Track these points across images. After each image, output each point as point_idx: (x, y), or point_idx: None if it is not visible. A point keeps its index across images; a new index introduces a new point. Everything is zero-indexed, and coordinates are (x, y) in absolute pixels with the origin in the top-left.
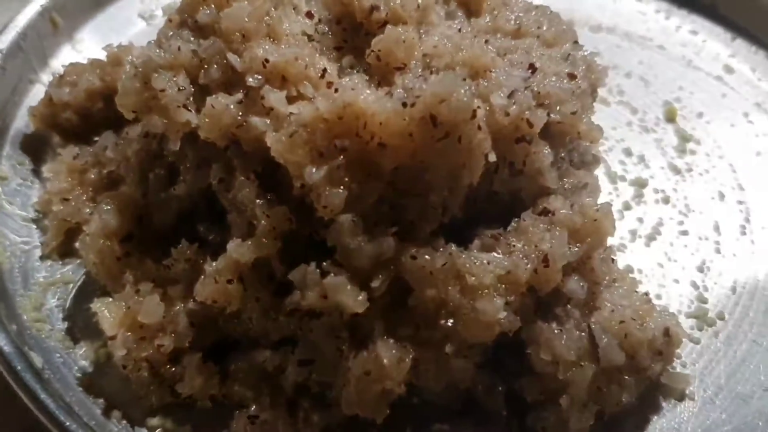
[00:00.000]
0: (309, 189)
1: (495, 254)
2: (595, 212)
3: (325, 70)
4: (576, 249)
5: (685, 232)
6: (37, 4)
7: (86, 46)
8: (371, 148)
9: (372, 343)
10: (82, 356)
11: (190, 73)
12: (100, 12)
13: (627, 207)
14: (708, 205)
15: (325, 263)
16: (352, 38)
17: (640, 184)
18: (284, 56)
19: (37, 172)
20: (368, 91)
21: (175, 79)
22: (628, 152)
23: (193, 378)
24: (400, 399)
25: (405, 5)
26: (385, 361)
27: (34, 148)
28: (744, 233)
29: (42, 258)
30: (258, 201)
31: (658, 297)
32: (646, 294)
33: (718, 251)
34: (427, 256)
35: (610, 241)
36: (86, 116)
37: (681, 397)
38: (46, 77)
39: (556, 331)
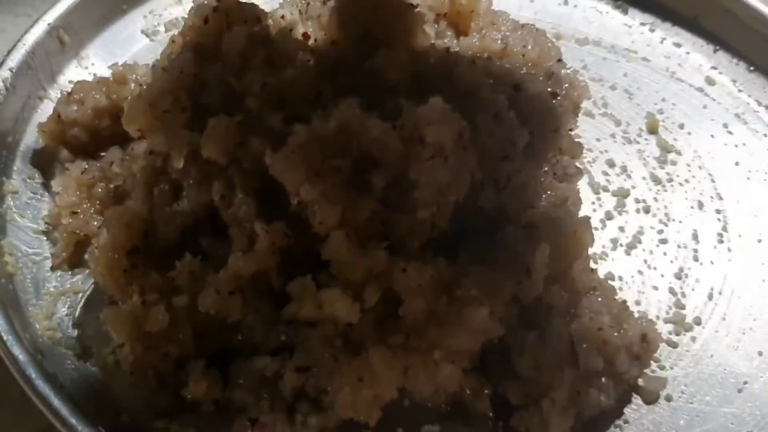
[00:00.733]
0: (305, 206)
1: (480, 266)
2: (575, 225)
3: (320, 91)
4: (556, 261)
5: (664, 241)
6: (44, 22)
7: (92, 63)
8: (364, 167)
9: (365, 351)
10: (91, 363)
11: (191, 94)
12: (105, 29)
13: (609, 216)
14: (687, 214)
15: (320, 276)
16: (345, 59)
17: (622, 194)
18: (281, 79)
19: (46, 186)
20: (361, 113)
21: (177, 100)
22: (611, 163)
23: (197, 383)
24: (391, 401)
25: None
26: (377, 367)
27: (44, 163)
28: (721, 241)
29: (52, 269)
30: (257, 217)
31: (638, 303)
32: (624, 302)
33: (696, 259)
34: (416, 269)
35: (593, 249)
36: (93, 133)
37: (657, 399)
38: (54, 93)
39: (538, 338)
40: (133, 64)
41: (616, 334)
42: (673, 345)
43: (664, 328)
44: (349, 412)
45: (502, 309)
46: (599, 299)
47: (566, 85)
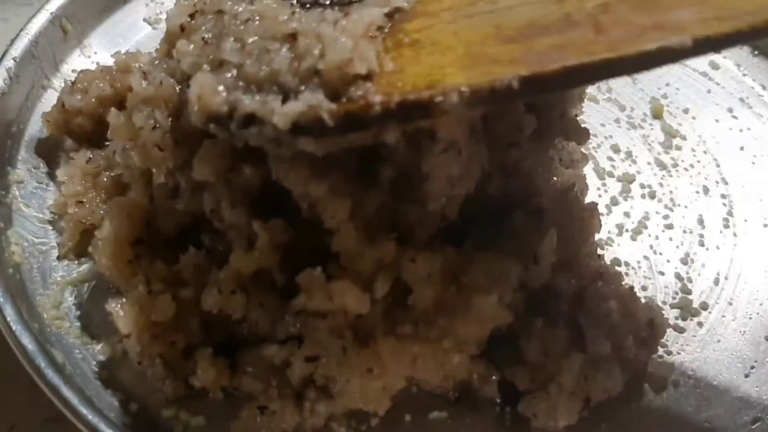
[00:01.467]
0: (315, 204)
1: (487, 253)
2: (582, 211)
3: None
4: (564, 247)
5: (670, 226)
6: (47, 11)
7: (94, 51)
8: (369, 159)
9: (373, 342)
10: (99, 352)
11: (171, 106)
12: (108, 18)
13: (614, 202)
14: (692, 199)
15: (329, 267)
16: None
17: (627, 179)
18: None
19: (51, 175)
20: None
21: (153, 114)
22: (615, 149)
23: (206, 371)
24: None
25: None
26: (386, 359)
27: (48, 153)
28: (727, 226)
29: (59, 258)
30: (253, 222)
31: (644, 288)
32: (631, 287)
33: (702, 244)
34: (425, 259)
35: (598, 235)
36: (98, 121)
37: (665, 384)
38: (57, 83)
39: (545, 325)
40: (136, 52)
41: (623, 319)
42: (680, 330)
43: (670, 314)
44: (359, 402)
45: (510, 296)
46: (606, 285)
47: None
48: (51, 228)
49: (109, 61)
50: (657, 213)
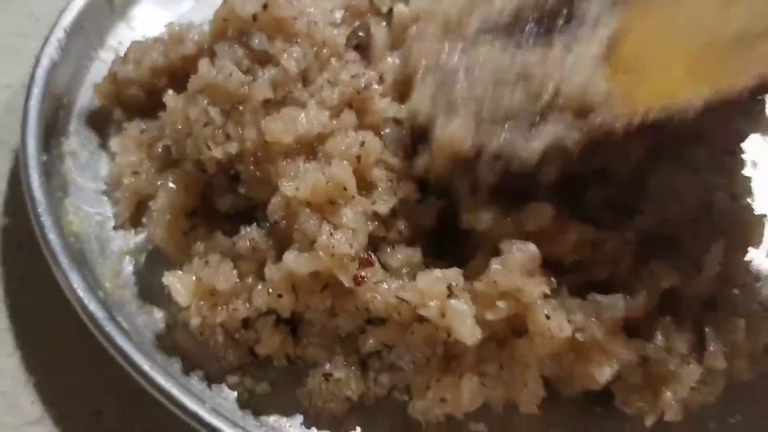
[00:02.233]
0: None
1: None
2: (749, 220)
3: None
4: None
5: None
6: None
7: (140, 23)
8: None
9: (459, 372)
10: (161, 320)
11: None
12: None
13: None
14: None
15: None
16: None
17: None
18: None
19: (103, 146)
20: None
21: (207, 110)
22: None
23: (270, 339)
24: None
25: None
26: (464, 395)
27: (99, 124)
28: None
29: (115, 228)
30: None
31: None
32: (763, 305)
33: None
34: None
35: None
36: (151, 92)
37: None
38: (104, 54)
39: (671, 323)
40: (189, 24)
41: (746, 339)
42: None
43: None
44: (418, 415)
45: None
46: (741, 294)
47: None
48: (106, 199)
49: (155, 33)
50: None
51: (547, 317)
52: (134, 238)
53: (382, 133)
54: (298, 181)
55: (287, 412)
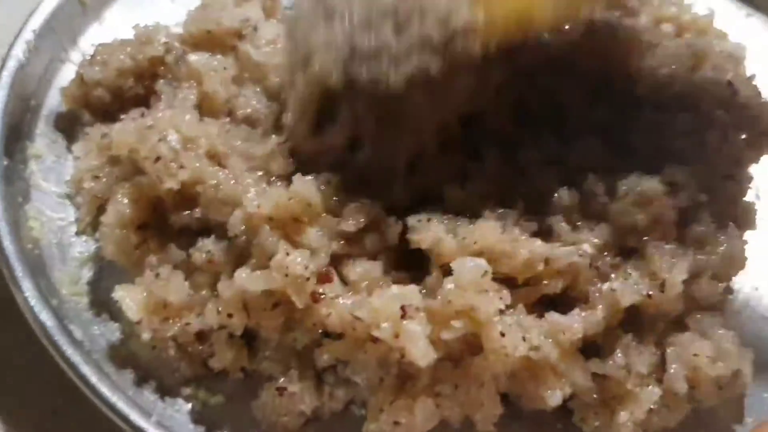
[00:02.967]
0: None
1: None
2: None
3: None
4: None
5: None
6: None
7: (112, 25)
8: None
9: (413, 395)
10: (117, 328)
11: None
12: None
13: None
14: None
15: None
16: None
17: None
18: None
19: (69, 150)
20: None
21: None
22: None
23: (224, 354)
24: None
25: None
26: (417, 418)
27: (67, 126)
28: None
29: (77, 233)
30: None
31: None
32: (734, 333)
33: None
34: None
35: None
36: (117, 93)
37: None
38: (75, 56)
39: (633, 341)
40: (157, 25)
41: (709, 365)
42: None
43: None
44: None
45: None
46: (710, 319)
47: None
48: (69, 203)
49: (128, 36)
50: None
51: (502, 335)
52: (95, 244)
53: None
54: (260, 197)
55: (241, 425)
